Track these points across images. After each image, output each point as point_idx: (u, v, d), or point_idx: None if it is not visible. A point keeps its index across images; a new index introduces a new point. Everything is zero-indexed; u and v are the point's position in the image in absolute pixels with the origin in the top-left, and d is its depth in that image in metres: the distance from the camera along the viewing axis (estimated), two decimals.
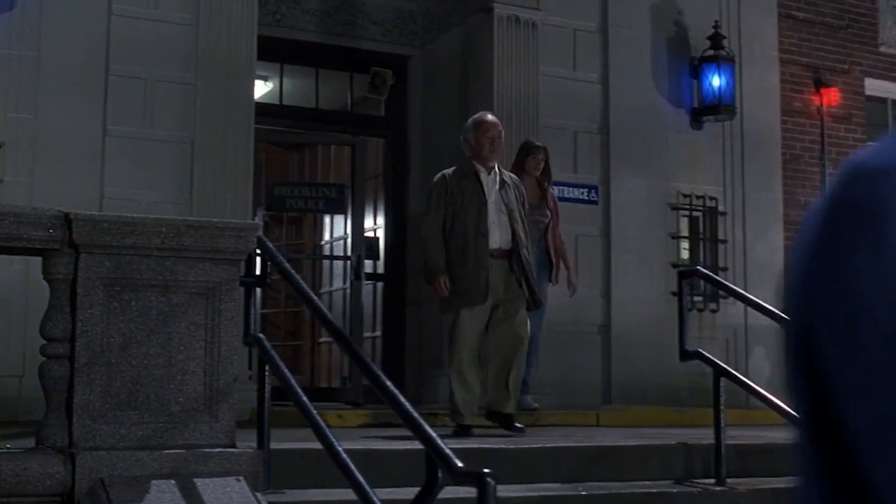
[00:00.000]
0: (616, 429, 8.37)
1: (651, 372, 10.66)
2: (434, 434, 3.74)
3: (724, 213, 11.66)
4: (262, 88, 12.37)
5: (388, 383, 4.11)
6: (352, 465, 4.26)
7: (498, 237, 7.32)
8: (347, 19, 11.54)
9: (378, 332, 11.99)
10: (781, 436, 6.64)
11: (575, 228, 10.54)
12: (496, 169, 7.55)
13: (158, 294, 4.96)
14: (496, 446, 6.13)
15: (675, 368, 8.58)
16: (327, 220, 13.12)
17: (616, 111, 11.20)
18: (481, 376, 7.43)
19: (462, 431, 7.22)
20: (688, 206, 11.49)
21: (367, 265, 11.92)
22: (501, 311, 7.32)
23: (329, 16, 11.45)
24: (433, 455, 3.68)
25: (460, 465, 3.57)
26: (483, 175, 7.43)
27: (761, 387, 11.51)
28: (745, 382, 6.36)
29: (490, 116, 7.80)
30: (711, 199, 11.60)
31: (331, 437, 4.47)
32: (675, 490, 5.90)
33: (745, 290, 11.59)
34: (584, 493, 5.61)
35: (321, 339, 13.57)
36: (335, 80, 12.06)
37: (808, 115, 12.53)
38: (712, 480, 6.10)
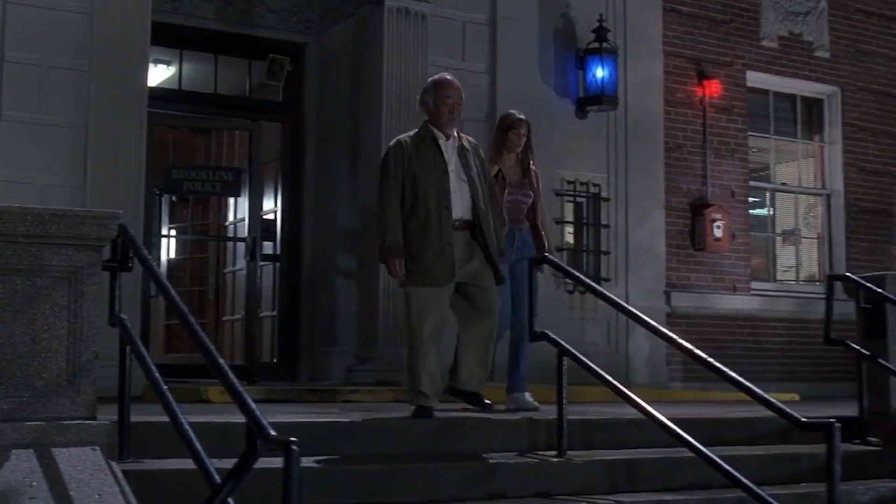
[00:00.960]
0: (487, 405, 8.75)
1: (538, 351, 11.07)
2: (254, 407, 4.15)
3: (607, 199, 12.15)
4: (164, 73, 12.69)
5: (221, 361, 4.50)
6: (192, 436, 4.65)
7: (460, 208, 7.03)
8: (245, 7, 11.88)
9: (274, 312, 12.36)
10: (628, 412, 7.13)
11: None
12: (455, 134, 7.24)
13: (24, 278, 5.29)
14: (346, 420, 6.53)
15: None
16: (231, 201, 13.46)
17: (503, 100, 11.57)
18: (440, 356, 7.21)
19: (423, 413, 6.93)
20: (572, 193, 11.97)
21: (268, 247, 12.31)
22: (472, 288, 7.08)
23: (228, 4, 11.80)
24: (252, 426, 4.09)
25: (273, 434, 3.98)
26: (442, 141, 7.12)
27: (641, 364, 12.14)
28: (583, 361, 6.79)
29: (450, 77, 7.35)
30: (595, 185, 12.09)
31: (176, 410, 4.85)
32: (513, 461, 6.32)
33: (627, 273, 12.21)
34: (427, 464, 6.05)
35: (224, 318, 13.92)
36: (234, 67, 12.39)
37: (691, 106, 13.06)
38: (554, 452, 6.55)
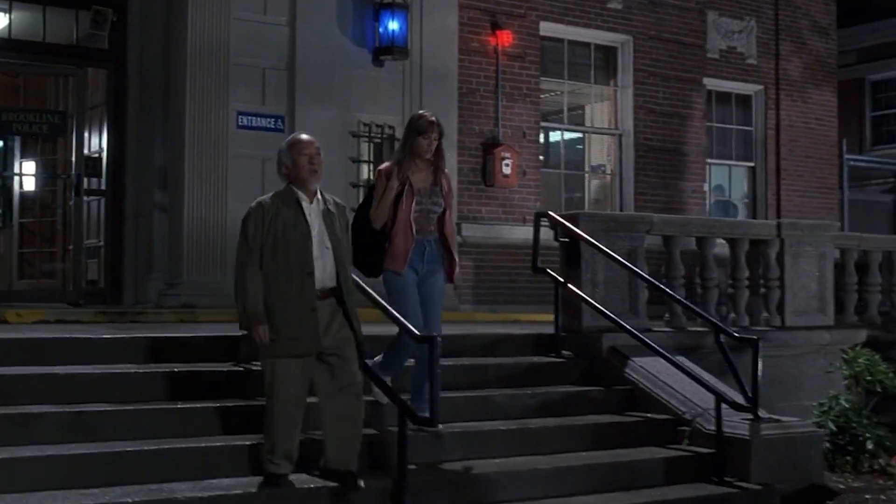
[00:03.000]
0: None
1: None
2: None
3: (399, 139, 13.41)
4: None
5: None
6: None
7: (322, 275, 6.70)
8: None
9: (101, 242, 13.56)
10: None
11: (262, 153, 12.13)
12: (319, 196, 6.86)
13: None
14: (83, 336, 7.81)
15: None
16: (75, 140, 14.56)
17: (302, 51, 12.84)
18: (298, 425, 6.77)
19: (273, 482, 6.63)
20: (367, 134, 13.26)
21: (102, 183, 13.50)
22: (334, 360, 6.71)
23: None
24: None
25: None
26: (305, 204, 6.77)
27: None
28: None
29: (304, 136, 6.96)
30: (390, 127, 13.37)
31: None
32: (225, 369, 7.60)
33: None
34: (141, 371, 7.34)
35: (70, 247, 15.06)
36: (62, 16, 13.43)
37: (485, 54, 14.37)
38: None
